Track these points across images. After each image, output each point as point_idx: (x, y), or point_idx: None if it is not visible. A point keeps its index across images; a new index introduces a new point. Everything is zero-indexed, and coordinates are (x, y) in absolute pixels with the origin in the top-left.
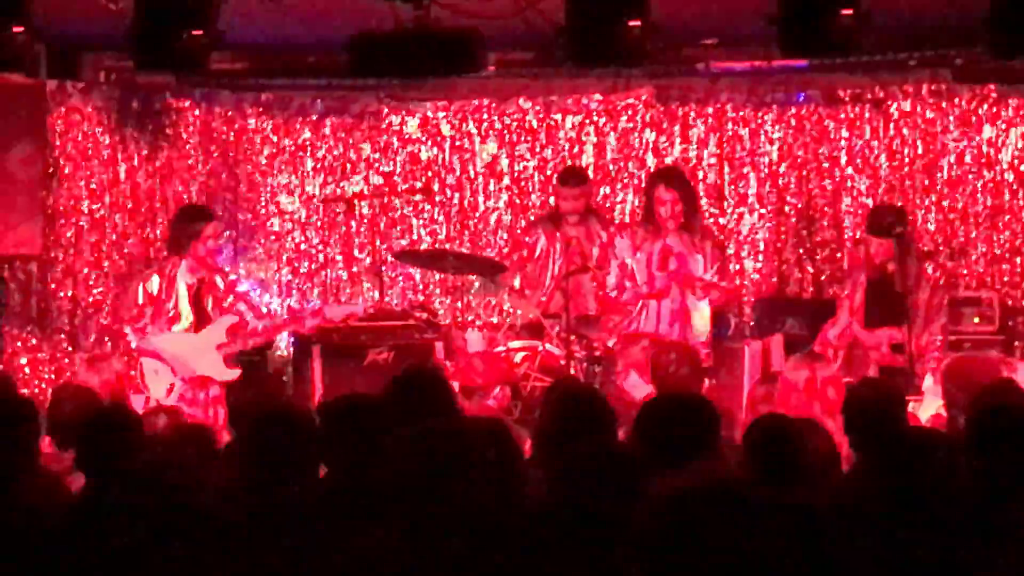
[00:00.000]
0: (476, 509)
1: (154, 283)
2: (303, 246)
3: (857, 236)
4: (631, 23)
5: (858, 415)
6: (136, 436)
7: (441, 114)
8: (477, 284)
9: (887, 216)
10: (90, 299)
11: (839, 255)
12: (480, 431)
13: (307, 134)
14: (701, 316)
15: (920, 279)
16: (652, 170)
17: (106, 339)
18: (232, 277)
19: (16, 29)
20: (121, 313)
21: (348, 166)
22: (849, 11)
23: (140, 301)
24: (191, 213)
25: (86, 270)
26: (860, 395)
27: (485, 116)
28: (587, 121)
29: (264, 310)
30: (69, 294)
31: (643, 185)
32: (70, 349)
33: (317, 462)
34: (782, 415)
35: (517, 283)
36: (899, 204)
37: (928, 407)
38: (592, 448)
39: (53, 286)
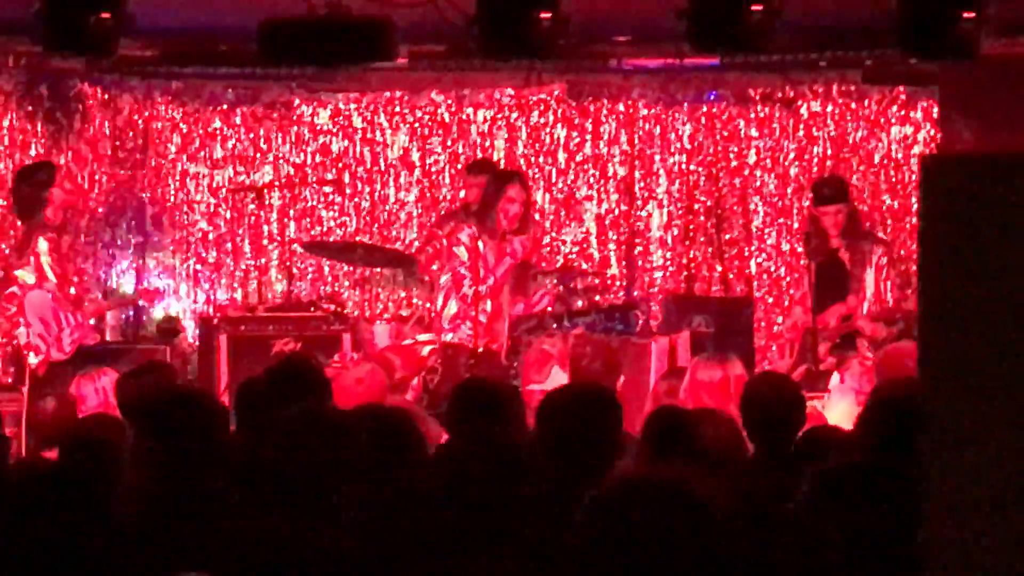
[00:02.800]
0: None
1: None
2: (211, 235)
3: (768, 233)
4: (542, 15)
5: (754, 411)
6: None
7: (353, 106)
8: (387, 276)
9: (830, 185)
10: None
11: (748, 253)
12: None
13: (217, 123)
14: None
15: (865, 250)
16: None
17: None
18: None
19: None
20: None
21: (258, 156)
22: (759, 7)
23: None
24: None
25: None
26: (756, 391)
27: (397, 108)
28: (499, 116)
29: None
30: None
31: (555, 182)
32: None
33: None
34: (678, 406)
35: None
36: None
37: (835, 406)
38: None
39: None
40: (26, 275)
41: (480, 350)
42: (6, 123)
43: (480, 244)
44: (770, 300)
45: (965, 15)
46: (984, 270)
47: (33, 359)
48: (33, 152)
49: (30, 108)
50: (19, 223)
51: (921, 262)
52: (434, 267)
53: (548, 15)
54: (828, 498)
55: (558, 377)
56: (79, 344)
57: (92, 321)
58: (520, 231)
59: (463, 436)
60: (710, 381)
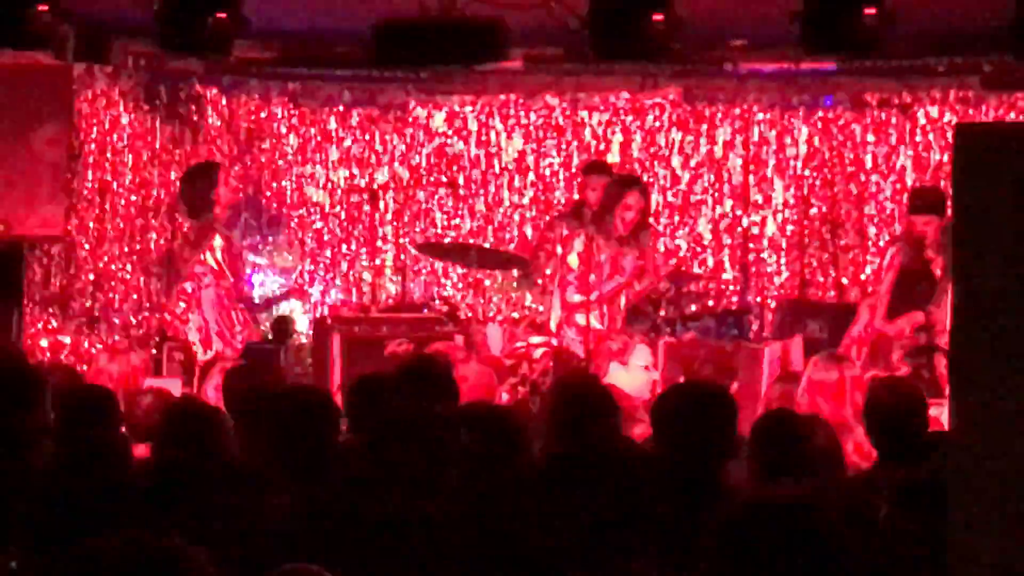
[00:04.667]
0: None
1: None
2: (327, 236)
3: (883, 240)
4: (655, 17)
5: (879, 417)
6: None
7: (468, 108)
8: (500, 279)
9: (929, 195)
10: (112, 283)
11: (862, 259)
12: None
13: (333, 124)
14: None
15: None
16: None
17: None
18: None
19: (41, 8)
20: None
21: (374, 157)
22: (873, 11)
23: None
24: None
25: (107, 257)
26: (880, 397)
27: (512, 112)
28: (614, 119)
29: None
30: (91, 278)
31: (668, 185)
32: (90, 333)
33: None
34: (789, 410)
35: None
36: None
37: None
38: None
39: (74, 270)
40: (203, 271)
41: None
42: (125, 122)
43: (595, 248)
44: None
45: None
46: (1019, 241)
47: (202, 354)
48: (150, 153)
49: (149, 108)
50: (187, 222)
51: (955, 232)
52: (548, 271)
53: (661, 17)
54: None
55: (616, 373)
56: (247, 341)
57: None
58: (633, 238)
59: (574, 439)
60: (825, 381)
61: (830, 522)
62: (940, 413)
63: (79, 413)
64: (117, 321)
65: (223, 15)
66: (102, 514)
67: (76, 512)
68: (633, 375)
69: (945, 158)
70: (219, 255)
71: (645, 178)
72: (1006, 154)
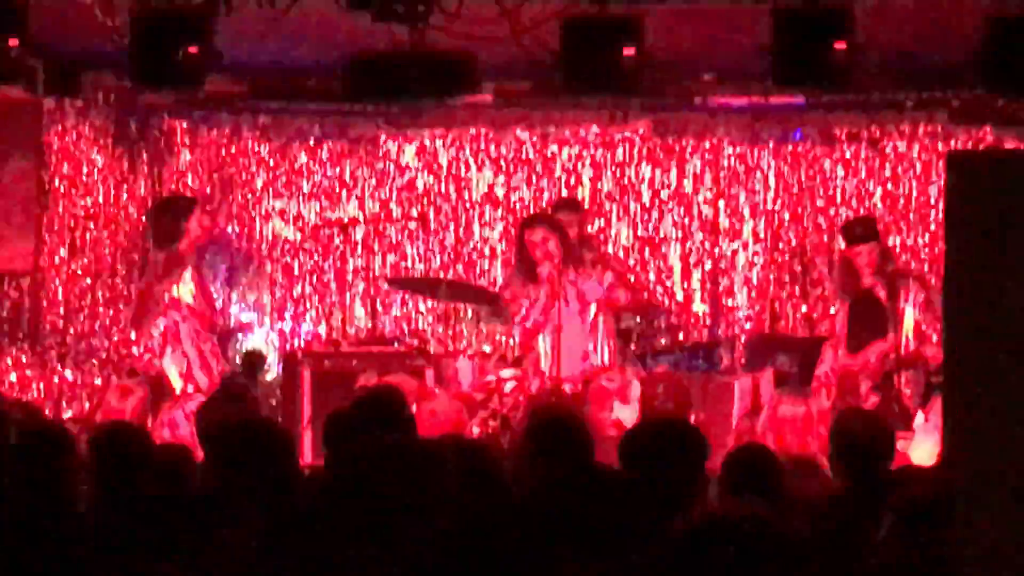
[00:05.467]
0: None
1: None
2: (296, 270)
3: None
4: (625, 51)
5: (844, 448)
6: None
7: (438, 142)
8: (470, 313)
9: (860, 225)
10: (81, 318)
11: (832, 293)
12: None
13: (304, 158)
14: None
15: (900, 287)
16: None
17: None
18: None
19: (12, 42)
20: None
21: (344, 191)
22: (842, 45)
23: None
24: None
25: (77, 291)
26: (846, 427)
27: (482, 145)
28: (584, 153)
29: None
30: (61, 312)
31: (638, 218)
32: (60, 367)
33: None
34: (760, 444)
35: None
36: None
37: (920, 445)
38: None
39: (44, 304)
40: (177, 305)
41: (564, 387)
42: (96, 156)
43: (563, 279)
44: None
45: None
46: (1008, 264)
47: (182, 389)
48: (118, 186)
49: (119, 143)
50: (153, 253)
51: (947, 258)
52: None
53: (632, 51)
54: (909, 532)
55: (621, 411)
56: (222, 373)
57: None
58: (571, 259)
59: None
60: (793, 416)
61: (785, 537)
62: (906, 447)
63: (35, 451)
64: (93, 359)
65: (194, 49)
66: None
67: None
68: (635, 410)
69: (914, 192)
70: (191, 287)
71: (616, 211)
72: (998, 180)
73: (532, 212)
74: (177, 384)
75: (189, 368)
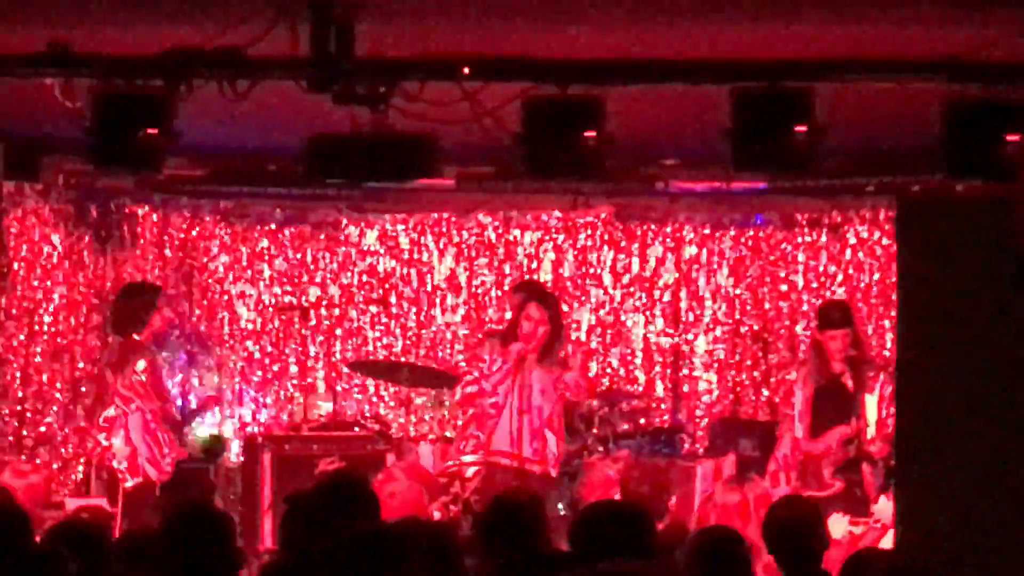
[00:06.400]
0: None
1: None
2: (257, 355)
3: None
4: (587, 134)
5: (777, 534)
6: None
7: (400, 227)
8: (432, 397)
9: (837, 309)
10: (40, 404)
11: (793, 377)
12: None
13: (265, 243)
14: None
15: (866, 375)
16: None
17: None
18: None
19: None
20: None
21: (305, 276)
22: (803, 128)
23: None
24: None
25: (35, 377)
26: (775, 514)
27: (444, 230)
28: (546, 237)
29: None
30: (19, 396)
31: (601, 304)
32: (19, 453)
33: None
34: (722, 527)
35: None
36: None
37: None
38: None
39: (1, 390)
40: (128, 395)
41: (531, 470)
42: (56, 240)
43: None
44: None
45: (1009, 138)
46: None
47: (130, 480)
48: (77, 271)
49: (79, 226)
50: (111, 338)
51: (899, 297)
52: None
53: (593, 134)
54: None
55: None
56: (176, 461)
57: None
58: (545, 353)
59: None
60: (726, 504)
61: None
62: (864, 531)
63: None
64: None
65: (154, 131)
66: None
67: None
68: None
69: (875, 277)
70: (143, 378)
71: (578, 295)
72: (945, 222)
73: (542, 288)
74: (126, 476)
75: (134, 457)
